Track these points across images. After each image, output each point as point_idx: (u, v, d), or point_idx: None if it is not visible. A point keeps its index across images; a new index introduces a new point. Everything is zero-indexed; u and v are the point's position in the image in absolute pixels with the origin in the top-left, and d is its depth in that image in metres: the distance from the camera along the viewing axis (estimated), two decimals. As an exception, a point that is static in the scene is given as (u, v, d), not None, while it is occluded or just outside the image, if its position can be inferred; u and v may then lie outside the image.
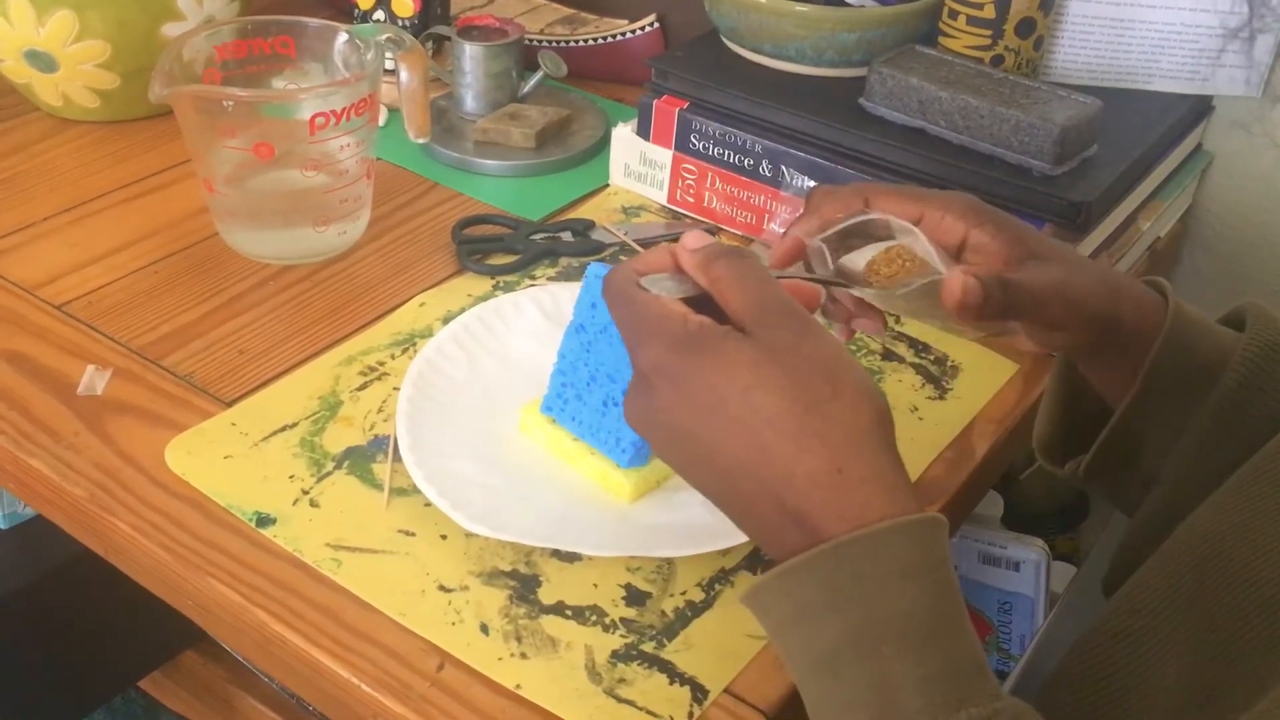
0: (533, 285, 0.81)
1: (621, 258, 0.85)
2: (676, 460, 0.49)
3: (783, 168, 0.85)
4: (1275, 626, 0.48)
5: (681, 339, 0.48)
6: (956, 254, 0.59)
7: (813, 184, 0.83)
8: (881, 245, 0.58)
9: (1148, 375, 0.59)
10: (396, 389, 0.71)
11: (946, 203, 0.58)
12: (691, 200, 0.90)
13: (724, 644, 0.58)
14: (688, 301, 0.50)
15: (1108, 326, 0.58)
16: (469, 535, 0.62)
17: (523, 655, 0.56)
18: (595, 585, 0.60)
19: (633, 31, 1.09)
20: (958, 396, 0.74)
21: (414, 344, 0.75)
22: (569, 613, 0.59)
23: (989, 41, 0.85)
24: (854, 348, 0.77)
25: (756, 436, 0.45)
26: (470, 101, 1.00)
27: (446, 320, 0.77)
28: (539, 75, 1.00)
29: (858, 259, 0.59)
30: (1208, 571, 0.51)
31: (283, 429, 0.68)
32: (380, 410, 0.70)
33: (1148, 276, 0.63)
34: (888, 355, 0.77)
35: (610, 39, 1.09)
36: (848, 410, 0.46)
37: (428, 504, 0.63)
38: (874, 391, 0.47)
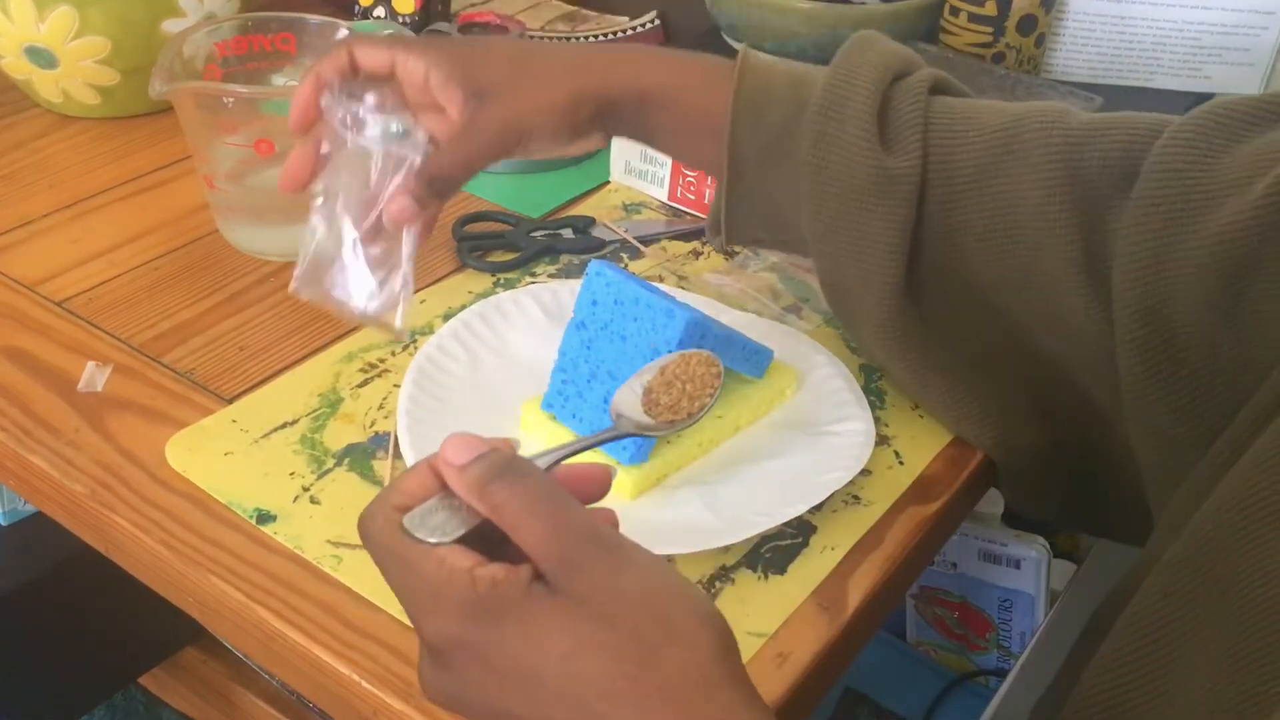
0: (533, 282, 0.81)
1: (623, 255, 0.85)
2: None
3: (784, 165, 0.85)
4: None
5: (473, 607, 0.40)
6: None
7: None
8: (649, 372, 0.54)
9: (731, 146, 0.61)
10: (397, 386, 0.71)
11: (414, 49, 0.62)
12: (692, 198, 0.90)
13: (725, 641, 0.58)
14: (469, 533, 0.42)
15: (593, 107, 0.62)
16: (470, 532, 0.62)
17: (523, 652, 0.56)
18: (596, 582, 0.60)
19: (633, 28, 1.09)
20: (959, 394, 0.74)
21: (415, 341, 0.75)
22: (570, 610, 0.59)
23: (990, 39, 0.85)
24: (854, 345, 0.77)
25: (588, 710, 0.39)
26: (471, 98, 1.00)
27: (447, 317, 0.77)
28: (540, 72, 1.00)
29: (630, 396, 0.54)
30: (1238, 564, 0.45)
31: (283, 426, 0.68)
32: (381, 407, 0.70)
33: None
34: (889, 352, 0.77)
35: (611, 36, 1.09)
36: (687, 652, 0.40)
37: (428, 501, 0.62)
38: (710, 613, 0.41)
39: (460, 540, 0.42)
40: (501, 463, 0.42)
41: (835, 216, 0.61)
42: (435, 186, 0.61)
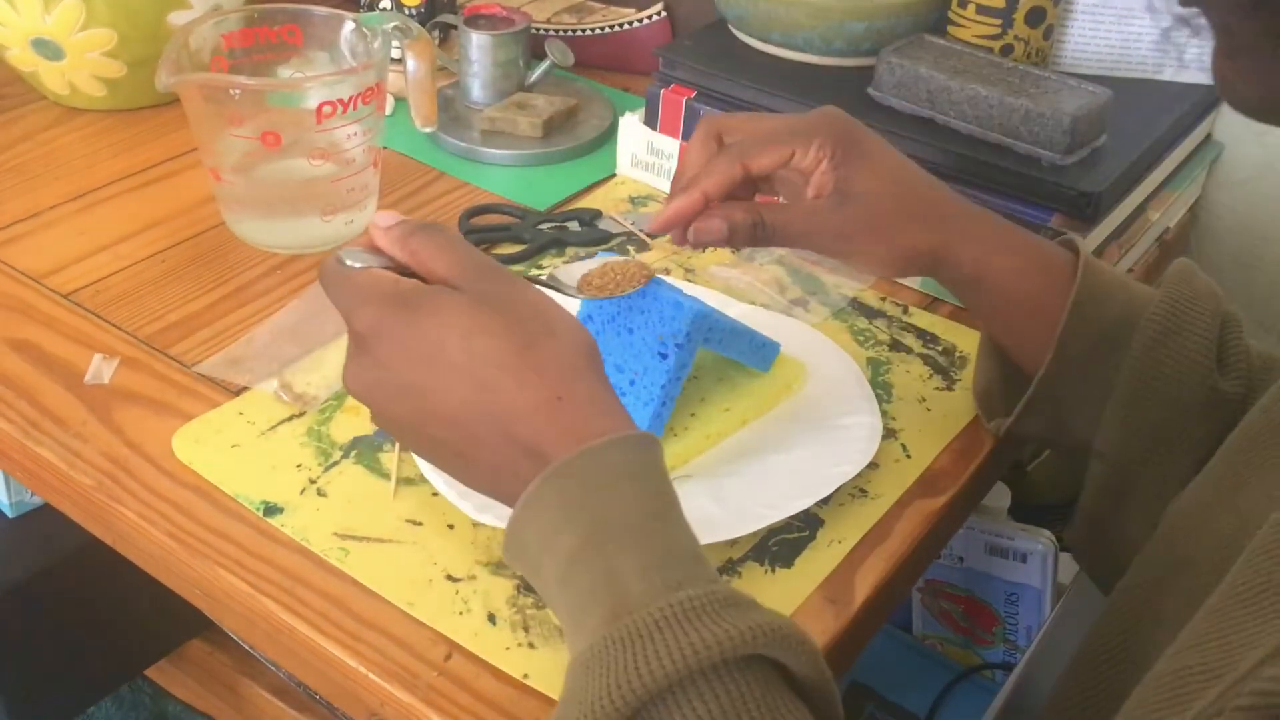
0: (539, 275, 0.81)
1: (629, 247, 0.85)
2: (402, 417, 0.50)
3: (791, 157, 0.84)
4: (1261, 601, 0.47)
5: (395, 297, 0.50)
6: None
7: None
8: (595, 261, 0.63)
9: (1062, 339, 0.61)
10: (404, 378, 0.70)
11: (809, 136, 0.63)
12: (699, 190, 0.90)
13: (731, 634, 0.58)
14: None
15: (932, 262, 0.64)
16: (476, 525, 0.62)
17: (530, 645, 0.56)
18: (603, 575, 0.60)
19: (640, 20, 1.08)
20: (966, 387, 0.74)
21: (421, 333, 0.75)
22: (576, 603, 0.59)
23: (998, 31, 0.84)
24: (862, 338, 0.77)
25: (480, 376, 0.48)
26: (477, 90, 1.00)
27: (453, 310, 0.77)
28: (546, 64, 1.00)
29: (574, 271, 0.63)
30: (1195, 545, 0.50)
31: (290, 418, 0.68)
32: (387, 400, 0.70)
33: (1063, 236, 0.67)
34: (895, 346, 0.77)
35: (617, 28, 1.09)
36: (563, 346, 0.49)
37: (435, 493, 0.63)
38: (584, 330, 0.51)
39: None
40: (418, 223, 0.53)
41: (1152, 426, 0.61)
42: (758, 233, 0.62)
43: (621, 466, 0.47)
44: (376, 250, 0.53)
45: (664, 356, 0.62)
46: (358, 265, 0.52)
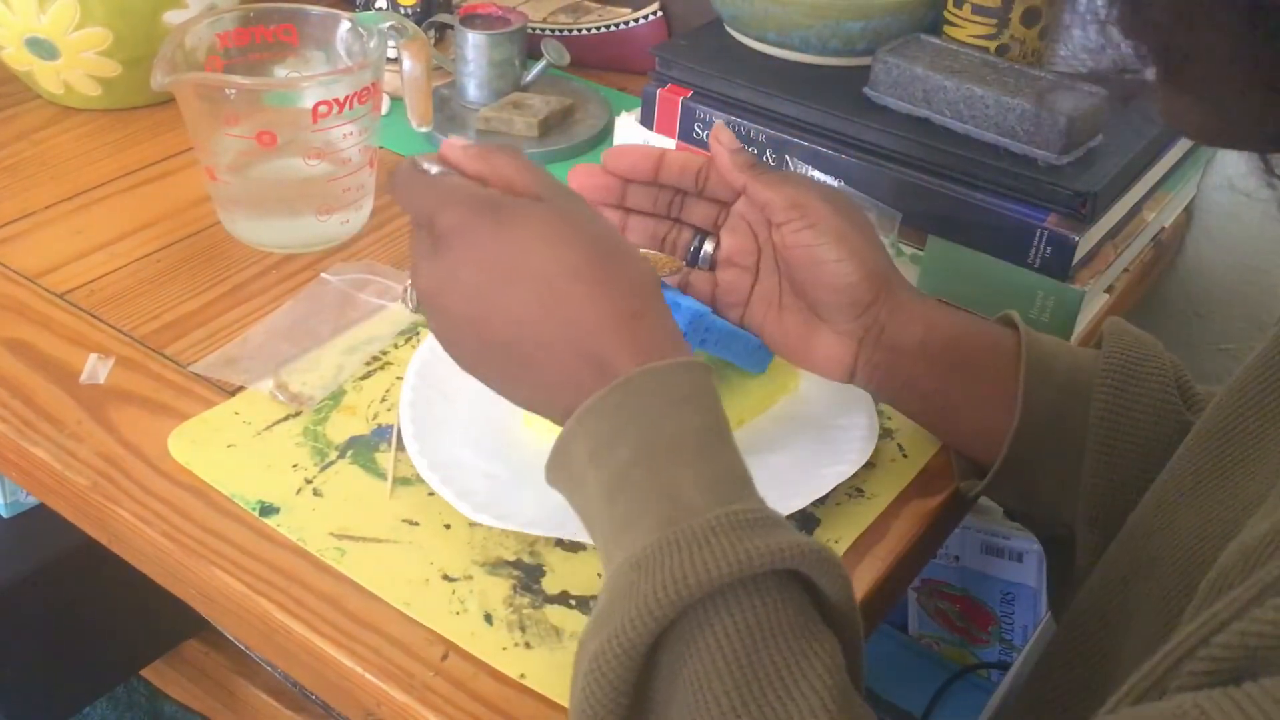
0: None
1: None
2: (471, 319, 0.50)
3: (786, 157, 0.85)
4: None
5: (484, 200, 0.50)
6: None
7: (817, 174, 0.83)
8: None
9: (1025, 392, 0.61)
10: (400, 378, 0.70)
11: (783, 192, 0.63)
12: (695, 190, 0.90)
13: (728, 634, 0.58)
14: None
15: (887, 296, 0.62)
16: (473, 525, 0.62)
17: (527, 645, 0.56)
18: (599, 575, 0.60)
19: (636, 20, 1.08)
20: (962, 387, 0.74)
21: (417, 333, 0.75)
22: (573, 602, 0.59)
23: (994, 30, 0.85)
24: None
25: (558, 284, 0.49)
26: (473, 90, 1.00)
27: (449, 309, 0.77)
28: (542, 64, 1.00)
29: None
30: (1160, 544, 0.51)
31: (286, 418, 0.68)
32: (384, 400, 0.70)
33: (1001, 315, 0.67)
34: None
35: (613, 27, 1.09)
36: (635, 269, 0.50)
37: (431, 493, 0.63)
38: (648, 261, 0.52)
39: None
40: (493, 145, 0.54)
41: (1128, 468, 0.61)
42: (759, 171, 0.63)
43: (686, 389, 0.48)
44: (447, 166, 0.54)
45: (661, 356, 0.62)
46: (435, 170, 0.53)
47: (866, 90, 0.83)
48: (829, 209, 0.61)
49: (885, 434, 0.69)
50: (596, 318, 0.48)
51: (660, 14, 1.08)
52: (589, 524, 0.49)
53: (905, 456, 0.68)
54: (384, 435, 0.68)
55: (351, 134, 0.79)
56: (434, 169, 0.53)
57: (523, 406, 0.53)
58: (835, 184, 0.82)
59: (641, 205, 0.66)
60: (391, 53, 0.94)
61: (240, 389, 0.70)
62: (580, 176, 0.65)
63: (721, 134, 0.63)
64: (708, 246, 0.66)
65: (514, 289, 0.49)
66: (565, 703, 0.54)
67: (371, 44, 0.80)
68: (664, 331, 0.50)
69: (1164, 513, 0.52)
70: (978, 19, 0.85)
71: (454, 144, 0.54)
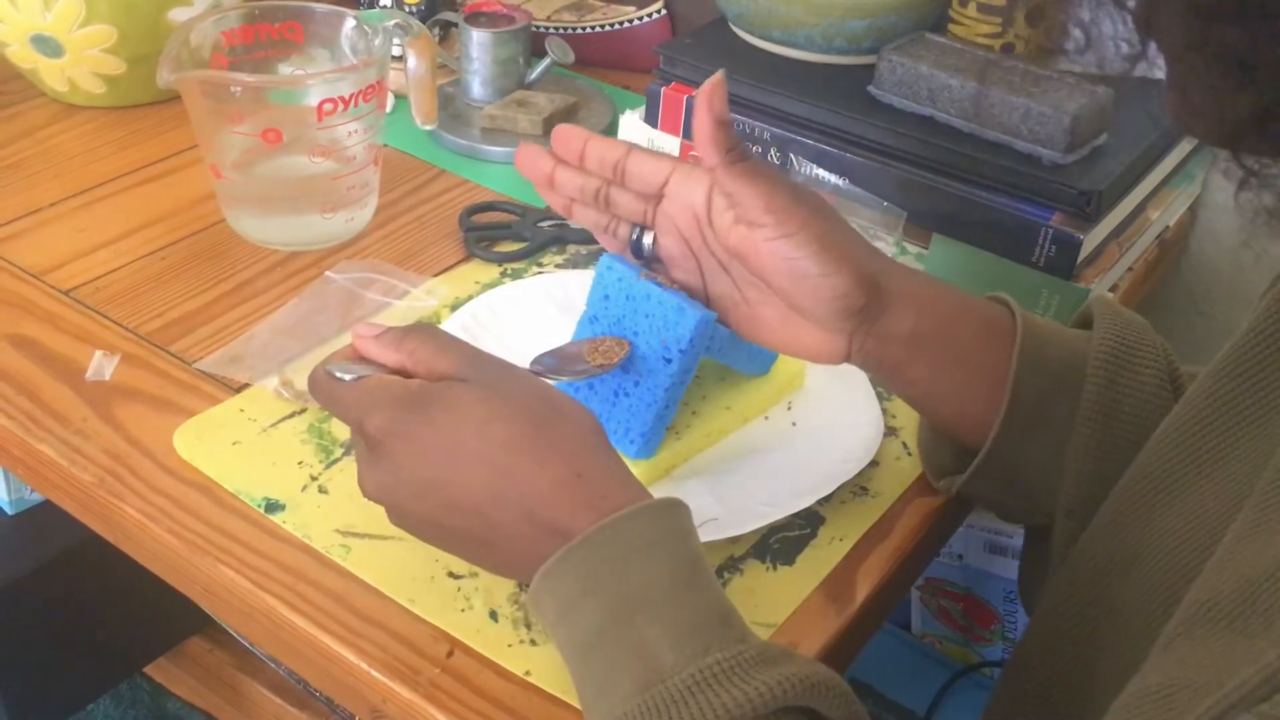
0: (541, 273, 0.81)
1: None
2: (424, 513, 0.51)
3: (791, 156, 0.85)
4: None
5: (406, 398, 0.50)
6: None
7: (821, 172, 0.83)
8: (585, 341, 0.64)
9: (1015, 384, 0.59)
10: (405, 376, 0.70)
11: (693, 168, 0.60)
12: (699, 188, 0.90)
13: (733, 632, 0.58)
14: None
15: (877, 294, 0.58)
16: (478, 522, 0.62)
17: (532, 642, 0.56)
18: (604, 572, 0.60)
19: (640, 18, 1.08)
20: (966, 385, 0.74)
21: (422, 331, 0.75)
22: (578, 600, 0.59)
23: (999, 29, 0.85)
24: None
25: (499, 462, 0.49)
26: (477, 88, 1.00)
27: (454, 308, 0.77)
28: (546, 62, 1.00)
29: (571, 347, 0.64)
30: (1143, 540, 0.50)
31: (291, 415, 0.68)
32: (388, 397, 0.70)
33: (992, 294, 0.64)
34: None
35: (618, 26, 1.09)
36: (573, 426, 0.51)
37: (436, 491, 0.62)
38: (588, 411, 0.52)
39: None
40: (405, 326, 0.54)
41: (1116, 458, 0.59)
42: (739, 150, 0.56)
43: (651, 535, 0.48)
44: (362, 360, 0.54)
45: (668, 361, 0.62)
46: (349, 377, 0.52)
47: (871, 89, 0.83)
48: (805, 212, 0.56)
49: (890, 432, 0.69)
50: (543, 487, 0.49)
51: (665, 12, 1.08)
52: (570, 670, 0.49)
53: (910, 455, 0.68)
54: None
55: (356, 132, 0.79)
56: (348, 375, 0.52)
57: (502, 576, 0.54)
58: (840, 183, 0.82)
59: (570, 192, 0.62)
60: (396, 50, 0.94)
61: (245, 386, 0.70)
62: (524, 159, 0.62)
63: (715, 99, 0.55)
64: (646, 239, 0.63)
65: (457, 477, 0.49)
66: (570, 699, 0.54)
67: (376, 42, 0.80)
68: (614, 481, 0.50)
69: (1141, 509, 0.51)
70: (983, 18, 0.85)
71: (366, 335, 0.54)
